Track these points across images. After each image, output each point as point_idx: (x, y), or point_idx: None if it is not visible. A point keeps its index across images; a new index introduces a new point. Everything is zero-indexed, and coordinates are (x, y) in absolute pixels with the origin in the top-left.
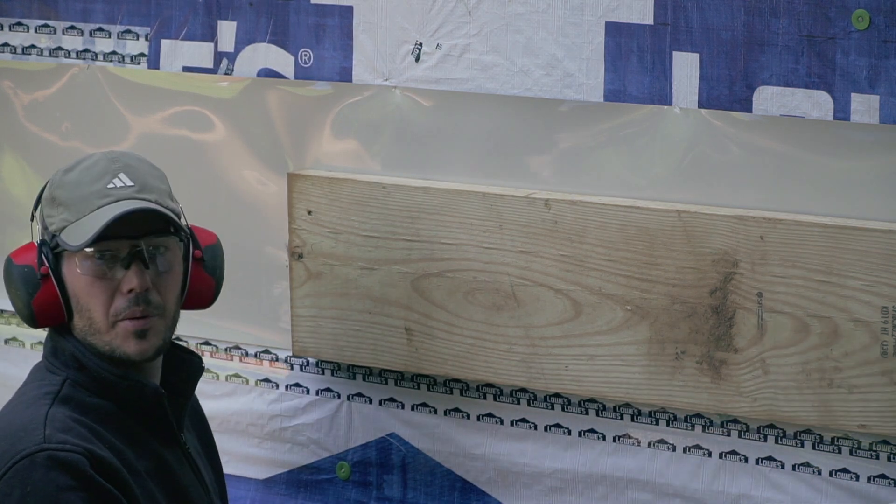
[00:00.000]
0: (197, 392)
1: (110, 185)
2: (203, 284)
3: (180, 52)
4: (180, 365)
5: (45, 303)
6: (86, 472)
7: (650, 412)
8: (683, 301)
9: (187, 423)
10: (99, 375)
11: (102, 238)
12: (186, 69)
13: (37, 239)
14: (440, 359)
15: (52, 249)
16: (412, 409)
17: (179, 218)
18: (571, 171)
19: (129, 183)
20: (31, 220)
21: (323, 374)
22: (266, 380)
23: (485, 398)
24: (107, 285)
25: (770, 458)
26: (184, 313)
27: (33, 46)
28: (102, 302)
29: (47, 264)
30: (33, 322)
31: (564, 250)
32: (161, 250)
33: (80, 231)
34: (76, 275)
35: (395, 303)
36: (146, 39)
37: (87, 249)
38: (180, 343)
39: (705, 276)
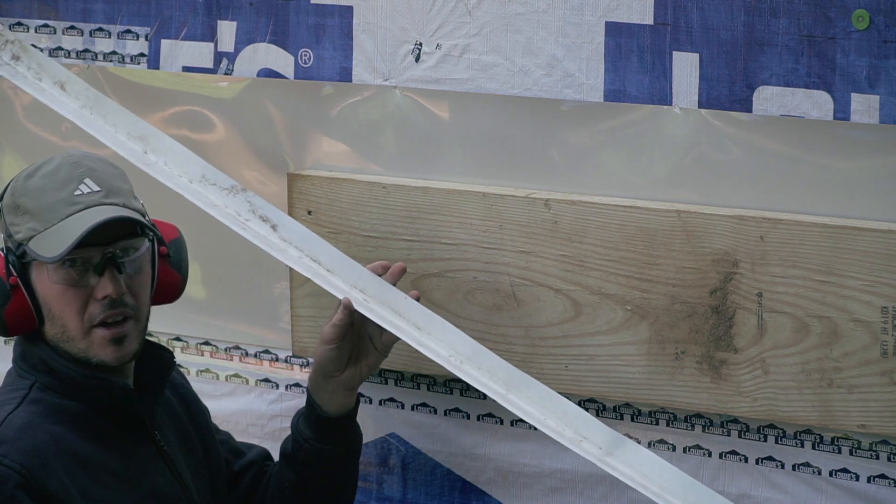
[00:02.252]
0: (197, 392)
1: (77, 192)
2: (171, 279)
3: (180, 52)
4: (150, 361)
5: (16, 313)
6: (9, 492)
7: (650, 412)
8: (683, 301)
9: (164, 420)
10: (68, 377)
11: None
12: (186, 69)
13: None
14: None
15: (18, 258)
16: (412, 409)
17: (145, 217)
18: (571, 171)
19: (96, 188)
20: None
21: None
22: (266, 380)
23: (485, 398)
24: (80, 293)
25: (770, 458)
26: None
27: (33, 46)
28: (76, 309)
29: (16, 274)
30: (4, 332)
31: (564, 250)
32: (131, 252)
33: (52, 241)
34: (48, 284)
35: None
36: (146, 39)
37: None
38: (151, 339)
39: (705, 276)
